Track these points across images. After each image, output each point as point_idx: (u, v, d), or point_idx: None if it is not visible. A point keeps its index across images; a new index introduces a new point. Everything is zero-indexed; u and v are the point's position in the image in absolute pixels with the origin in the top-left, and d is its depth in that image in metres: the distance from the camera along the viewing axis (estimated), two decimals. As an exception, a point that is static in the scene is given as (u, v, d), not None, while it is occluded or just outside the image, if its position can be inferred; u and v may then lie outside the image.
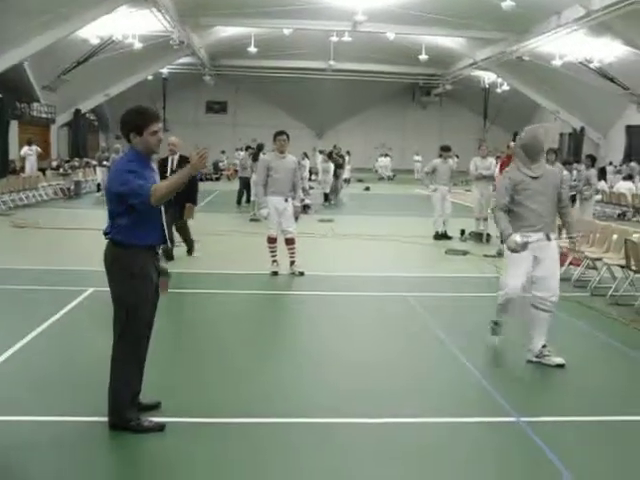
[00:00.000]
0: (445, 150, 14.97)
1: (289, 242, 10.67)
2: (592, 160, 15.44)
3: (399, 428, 5.08)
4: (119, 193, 4.64)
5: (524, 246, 6.22)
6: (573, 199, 14.40)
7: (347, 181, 30.33)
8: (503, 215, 6.44)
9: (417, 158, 43.84)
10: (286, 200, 10.50)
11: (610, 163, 33.98)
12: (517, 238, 6.20)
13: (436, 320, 8.08)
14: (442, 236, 14.70)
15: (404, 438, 4.92)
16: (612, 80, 34.64)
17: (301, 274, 10.59)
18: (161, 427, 4.82)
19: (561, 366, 6.41)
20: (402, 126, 51.02)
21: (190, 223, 11.74)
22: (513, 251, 6.28)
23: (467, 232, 14.88)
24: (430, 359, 6.82)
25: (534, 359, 6.53)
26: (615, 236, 10.42)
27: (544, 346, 6.52)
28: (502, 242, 6.62)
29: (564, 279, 10.47)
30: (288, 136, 10.53)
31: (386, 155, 43.94)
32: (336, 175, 23.52)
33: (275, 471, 4.36)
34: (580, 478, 4.27)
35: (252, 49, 35.12)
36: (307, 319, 8.51)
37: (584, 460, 4.62)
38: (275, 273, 10.55)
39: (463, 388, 6.03)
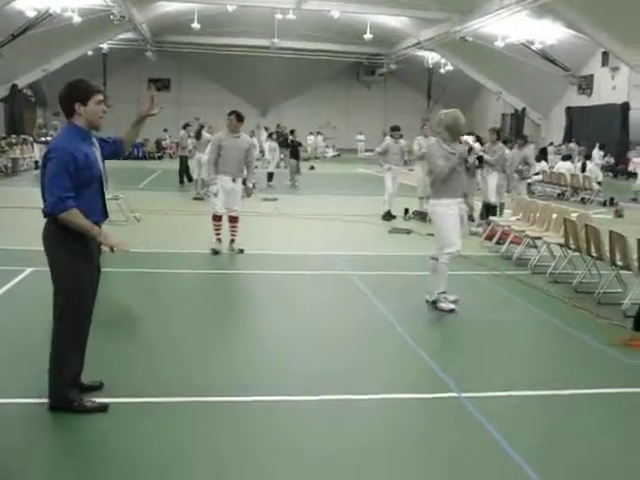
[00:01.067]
0: (395, 130, 15.07)
1: (232, 220, 10.64)
2: (525, 140, 15.75)
3: (344, 405, 5.10)
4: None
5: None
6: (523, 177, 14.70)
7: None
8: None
9: (360, 137, 43.92)
10: (234, 180, 10.42)
11: (551, 144, 34.65)
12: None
13: (379, 298, 8.13)
14: (388, 215, 14.79)
15: (348, 416, 4.94)
16: (553, 62, 35.27)
17: (241, 251, 10.60)
18: (104, 408, 4.75)
19: (452, 311, 7.51)
20: (346, 105, 51.01)
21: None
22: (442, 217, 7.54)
23: (411, 211, 15.00)
24: (373, 337, 6.87)
25: (430, 299, 7.75)
26: (554, 215, 10.64)
27: (442, 292, 7.62)
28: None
29: (506, 258, 10.77)
30: (240, 116, 10.41)
31: (318, 133, 43.31)
32: (296, 156, 23.23)
33: (222, 449, 4.34)
34: (518, 449, 4.36)
35: (195, 25, 34.57)
36: (251, 298, 8.48)
37: (523, 433, 4.72)
38: (216, 252, 10.49)
39: (406, 365, 6.11)
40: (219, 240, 10.63)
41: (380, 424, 4.86)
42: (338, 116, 50.07)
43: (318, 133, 43.26)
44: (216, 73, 46.68)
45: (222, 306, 8.08)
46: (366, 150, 40.41)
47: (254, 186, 11.21)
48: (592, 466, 4.30)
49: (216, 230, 10.65)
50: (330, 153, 43.07)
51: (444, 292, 7.68)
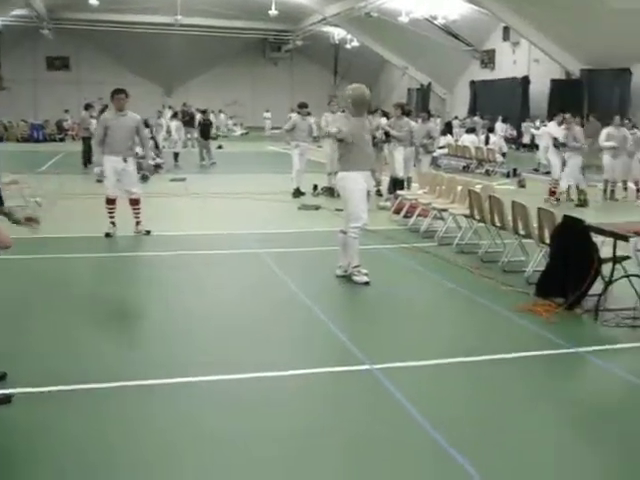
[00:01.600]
0: (302, 107, 15.02)
1: (133, 203, 10.36)
2: (428, 114, 16.01)
3: (256, 382, 5.06)
4: None
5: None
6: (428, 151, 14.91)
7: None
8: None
9: (267, 115, 43.59)
10: (125, 160, 10.12)
11: (455, 117, 35.29)
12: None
13: (290, 275, 8.10)
14: (297, 192, 14.76)
15: (260, 391, 4.90)
16: (456, 37, 35.86)
17: (147, 233, 10.36)
18: (7, 399, 4.55)
19: (367, 283, 7.57)
20: (253, 83, 50.54)
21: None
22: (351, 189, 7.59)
23: (320, 187, 15.01)
24: (284, 313, 6.84)
25: (340, 273, 7.86)
26: (459, 188, 10.83)
27: (356, 266, 7.66)
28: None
29: (414, 230, 10.91)
30: (127, 94, 10.11)
31: (220, 112, 42.45)
32: (206, 135, 22.70)
33: (131, 434, 4.23)
34: (429, 418, 4.42)
35: (93, 1, 33.42)
36: (157, 279, 8.28)
37: (434, 401, 4.79)
38: (109, 235, 10.21)
39: (318, 340, 6.10)
40: (113, 224, 10.30)
41: (292, 400, 4.83)
42: (245, 94, 49.59)
43: (220, 112, 42.64)
44: (118, 51, 45.33)
45: (125, 289, 7.85)
46: (273, 128, 40.17)
47: (160, 166, 10.96)
48: (499, 428, 4.40)
49: (109, 213, 10.33)
50: (238, 131, 42.63)
51: (358, 265, 7.71)
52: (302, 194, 14.72)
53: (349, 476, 3.87)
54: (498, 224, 8.81)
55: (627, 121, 16.78)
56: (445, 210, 10.53)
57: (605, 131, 15.59)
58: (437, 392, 5.02)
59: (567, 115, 15.48)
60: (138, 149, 11.48)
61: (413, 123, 14.43)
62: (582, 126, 15.86)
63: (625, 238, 6.29)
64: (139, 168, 11.47)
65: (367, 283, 7.60)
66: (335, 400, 4.91)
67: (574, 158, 14.16)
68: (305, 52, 48.26)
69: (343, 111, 8.96)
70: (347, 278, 7.79)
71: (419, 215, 11.26)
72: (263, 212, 13.01)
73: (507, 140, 33.28)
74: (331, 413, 4.67)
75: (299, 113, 15.18)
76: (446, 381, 5.25)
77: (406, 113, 14.49)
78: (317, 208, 13.19)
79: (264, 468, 3.90)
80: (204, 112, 23.39)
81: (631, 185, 15.91)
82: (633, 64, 30.43)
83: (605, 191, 15.59)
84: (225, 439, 4.22)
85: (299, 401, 4.83)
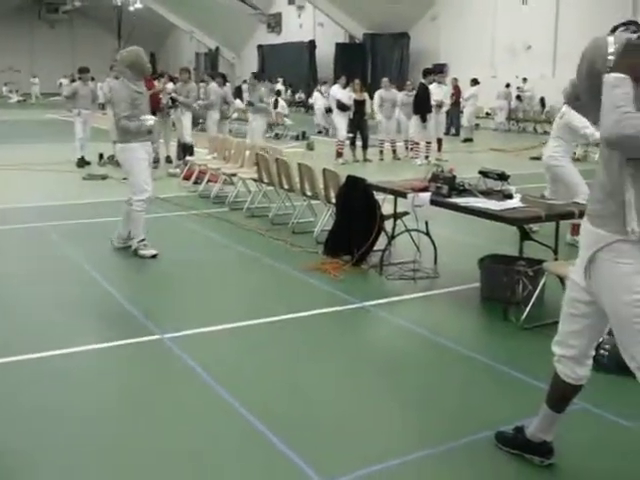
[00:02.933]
0: (84, 72, 14.27)
1: None
2: (224, 79, 15.84)
3: (43, 362, 4.76)
4: None
5: (153, 127, 7.57)
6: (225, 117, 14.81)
7: None
8: (129, 122, 7.20)
9: (34, 81, 41.22)
10: None
11: (244, 81, 35.24)
12: (150, 122, 7.34)
13: (74, 248, 7.73)
14: (81, 161, 14.08)
15: (47, 371, 4.61)
16: (243, 1, 35.69)
17: None
18: None
19: (154, 256, 7.34)
20: (31, 47, 47.45)
21: None
22: (149, 132, 7.41)
23: (106, 156, 14.40)
24: (69, 288, 6.47)
25: (117, 244, 7.68)
26: (248, 152, 10.83)
27: (141, 240, 7.41)
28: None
29: (204, 197, 10.79)
30: None
31: None
32: None
33: None
34: (221, 380, 4.39)
35: None
36: None
37: (225, 365, 4.76)
38: None
39: (106, 313, 5.87)
40: None
41: (85, 378, 4.61)
42: (22, 59, 46.44)
43: None
44: None
45: None
46: (42, 94, 38.18)
47: None
48: (293, 385, 4.46)
49: None
50: (14, 98, 39.89)
51: (143, 239, 7.45)
52: (87, 163, 14.07)
53: (146, 444, 3.74)
54: (286, 186, 8.92)
55: (408, 83, 17.59)
56: (234, 175, 10.49)
57: (377, 93, 16.25)
58: (230, 356, 5.00)
59: (357, 81, 16.10)
60: None
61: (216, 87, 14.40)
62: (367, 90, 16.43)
63: (404, 195, 6.58)
64: None
65: (155, 256, 7.39)
66: (126, 373, 4.75)
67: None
68: (87, 14, 46.05)
69: (117, 77, 8.62)
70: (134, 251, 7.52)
71: (209, 181, 11.14)
72: (45, 184, 12.25)
73: (297, 104, 33.94)
74: (123, 386, 4.51)
75: (80, 79, 14.43)
76: (239, 344, 5.24)
77: (203, 80, 14.33)
78: (104, 178, 12.66)
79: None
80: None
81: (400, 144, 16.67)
82: (411, 28, 32.02)
83: (381, 152, 16.25)
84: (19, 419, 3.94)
85: (94, 378, 4.62)
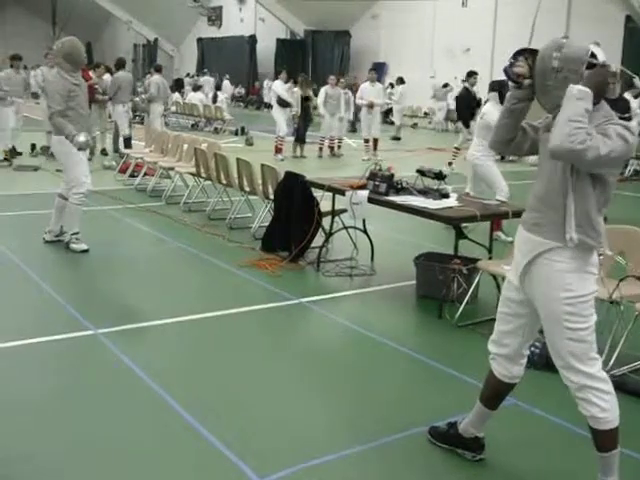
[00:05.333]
0: (16, 59, 13.85)
1: None
2: (158, 70, 15.71)
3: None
4: None
5: (87, 144, 7.09)
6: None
7: None
8: (62, 120, 6.97)
9: None
10: None
11: (187, 75, 34.82)
12: (82, 138, 6.88)
13: (3, 241, 7.50)
14: (12, 152, 13.69)
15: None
16: (183, -8, 35.28)
17: None
18: None
19: (86, 251, 7.17)
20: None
21: None
22: (80, 149, 6.98)
23: (38, 147, 14.05)
24: (0, 281, 6.31)
25: (49, 238, 7.50)
26: (186, 146, 10.71)
27: (75, 233, 7.26)
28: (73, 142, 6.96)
29: (140, 190, 10.64)
30: None
31: None
32: None
33: None
34: (156, 377, 4.34)
35: None
36: None
37: (161, 361, 4.70)
38: None
39: (39, 308, 5.73)
40: None
41: (16, 375, 4.47)
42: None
43: None
44: None
45: None
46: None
47: None
48: (229, 382, 4.43)
49: None
50: None
51: (77, 232, 7.28)
52: (19, 154, 13.69)
53: (72, 439, 3.66)
54: (224, 182, 8.85)
55: (342, 80, 17.59)
56: (172, 169, 10.37)
57: (323, 90, 16.28)
58: (164, 352, 4.94)
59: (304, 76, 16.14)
60: None
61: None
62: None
63: (342, 192, 6.60)
64: None
65: (85, 251, 7.23)
66: (57, 368, 4.63)
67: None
68: (19, 0, 44.70)
69: (52, 66, 8.39)
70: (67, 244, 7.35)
71: (145, 174, 10.98)
72: (-28, 175, 11.90)
73: (237, 99, 33.75)
74: (59, 382, 4.40)
75: (12, 66, 14.02)
76: (174, 340, 5.18)
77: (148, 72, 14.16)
78: (36, 169, 12.36)
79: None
80: None
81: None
82: (352, 26, 32.16)
83: (321, 149, 16.29)
84: None
85: (26, 374, 4.47)
